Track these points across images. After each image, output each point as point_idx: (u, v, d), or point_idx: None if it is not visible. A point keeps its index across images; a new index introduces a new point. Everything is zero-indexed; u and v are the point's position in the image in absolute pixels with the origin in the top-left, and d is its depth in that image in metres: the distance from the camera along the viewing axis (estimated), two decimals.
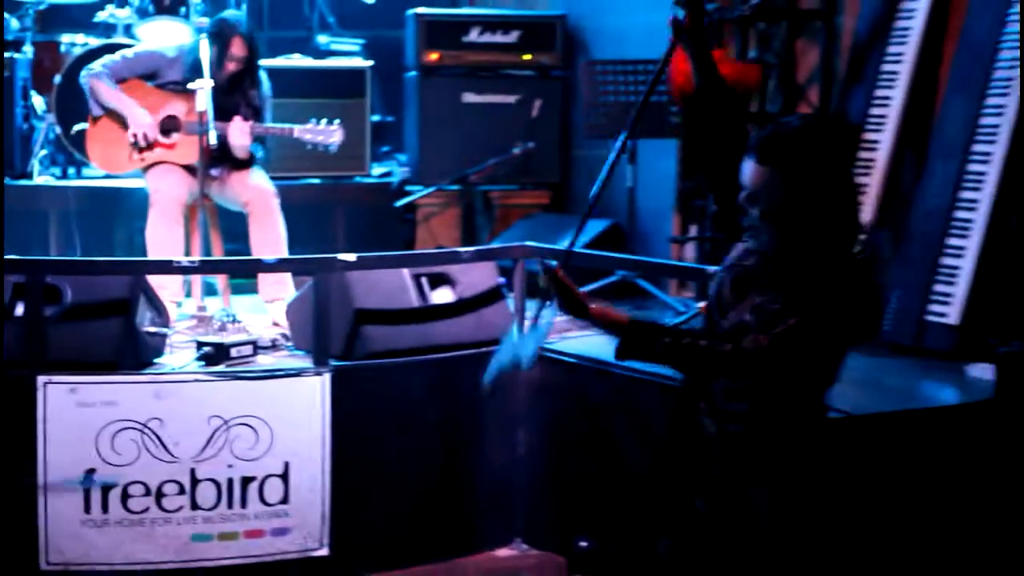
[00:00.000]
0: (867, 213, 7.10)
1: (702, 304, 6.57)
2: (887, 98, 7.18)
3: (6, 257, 6.94)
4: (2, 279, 5.74)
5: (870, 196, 7.10)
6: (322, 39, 9.44)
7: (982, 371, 5.86)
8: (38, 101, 8.88)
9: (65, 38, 9.00)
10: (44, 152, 8.86)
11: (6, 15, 9.11)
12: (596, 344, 6.58)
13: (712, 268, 6.59)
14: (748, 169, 3.57)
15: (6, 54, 8.75)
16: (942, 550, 5.39)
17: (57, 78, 8.81)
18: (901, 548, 5.37)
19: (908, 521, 5.38)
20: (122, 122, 7.50)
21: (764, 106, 7.87)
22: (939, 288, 6.61)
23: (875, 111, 7.20)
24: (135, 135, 7.44)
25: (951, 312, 6.53)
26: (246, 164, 7.51)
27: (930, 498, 5.43)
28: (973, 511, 5.40)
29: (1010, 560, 5.30)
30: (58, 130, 8.76)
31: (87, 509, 5.76)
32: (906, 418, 5.63)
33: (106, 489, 5.75)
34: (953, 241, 6.62)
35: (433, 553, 6.20)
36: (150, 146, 7.46)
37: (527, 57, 9.21)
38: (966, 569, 5.36)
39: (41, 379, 5.75)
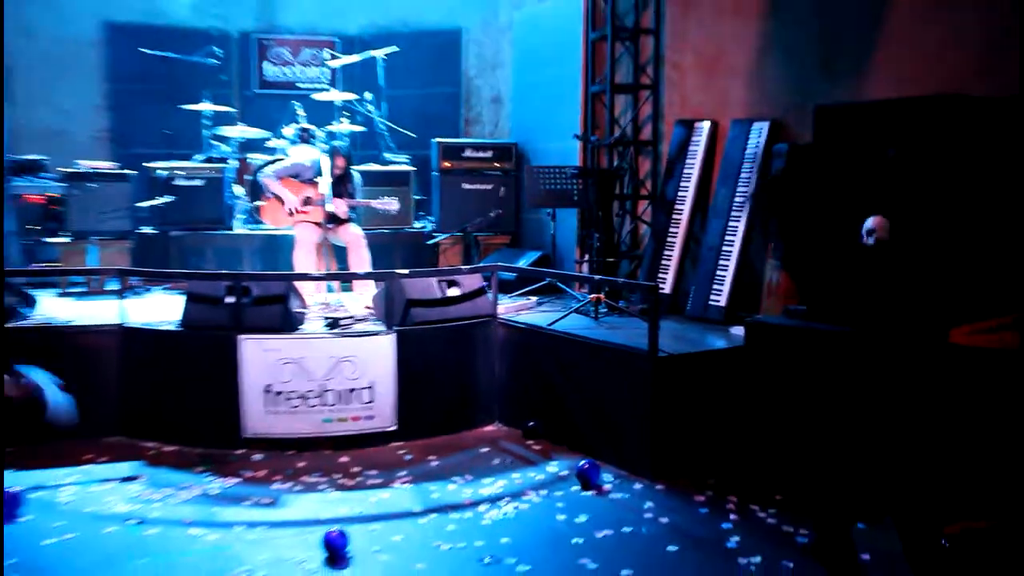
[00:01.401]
0: (676, 250, 7.18)
1: (592, 295, 6.58)
2: (686, 186, 7.22)
3: (220, 271, 6.91)
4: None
5: (678, 240, 7.16)
6: (387, 155, 9.41)
7: (738, 330, 5.91)
8: (239, 189, 8.85)
9: (251, 156, 8.96)
10: (241, 216, 8.82)
11: (222, 145, 9.08)
12: (536, 317, 6.63)
13: (597, 277, 6.66)
14: None
15: (222, 165, 8.78)
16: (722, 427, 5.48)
17: (248, 177, 8.78)
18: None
19: (703, 409, 5.47)
20: (281, 200, 7.50)
21: (624, 190, 7.89)
22: (715, 287, 6.66)
23: (680, 194, 7.24)
24: (288, 207, 7.47)
25: (722, 299, 6.60)
26: (347, 221, 7.49)
27: (709, 396, 5.52)
28: (738, 404, 5.48)
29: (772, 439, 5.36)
30: (248, 204, 8.73)
31: (267, 404, 5.77)
32: (699, 356, 5.70)
33: (278, 395, 5.78)
34: (722, 262, 6.68)
35: (451, 428, 6.17)
36: (296, 212, 7.47)
37: (497, 164, 9.18)
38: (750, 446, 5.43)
39: (240, 337, 5.77)
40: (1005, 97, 4.97)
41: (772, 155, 6.40)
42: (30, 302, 6.48)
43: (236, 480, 5.26)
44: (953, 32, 5.39)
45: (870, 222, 3.62)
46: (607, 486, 5.18)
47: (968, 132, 5.02)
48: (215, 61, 9.47)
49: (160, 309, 6.62)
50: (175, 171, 8.49)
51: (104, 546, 4.38)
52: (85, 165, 8.38)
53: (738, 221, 6.67)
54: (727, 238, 6.70)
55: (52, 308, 6.78)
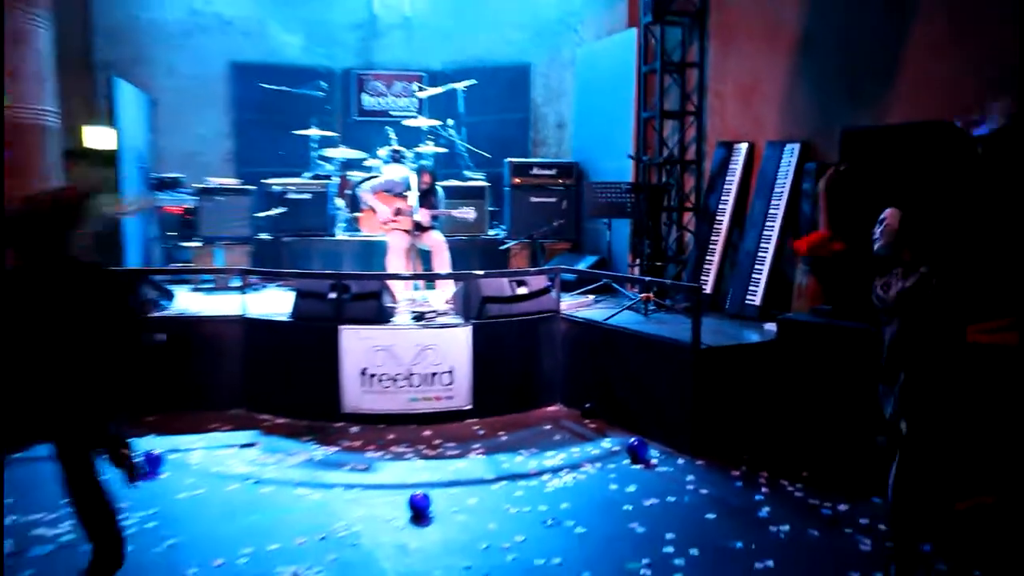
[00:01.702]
0: (716, 255, 7.07)
1: (643, 295, 6.54)
2: (726, 200, 7.11)
3: (324, 271, 6.98)
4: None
5: (718, 247, 7.06)
6: (466, 172, 9.43)
7: (771, 327, 5.80)
8: (340, 202, 8.95)
9: (351, 174, 9.07)
10: (342, 224, 8.92)
11: (326, 164, 9.19)
12: (594, 313, 6.59)
13: (647, 278, 6.61)
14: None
15: (326, 181, 8.84)
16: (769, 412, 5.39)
17: (348, 192, 8.87)
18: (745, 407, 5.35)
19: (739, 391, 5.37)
20: (377, 211, 7.55)
21: (671, 203, 7.79)
22: (751, 288, 6.55)
23: (720, 207, 7.13)
24: (383, 219, 7.50)
25: (757, 299, 6.49)
26: (431, 229, 7.48)
27: (745, 384, 5.42)
28: (770, 391, 5.38)
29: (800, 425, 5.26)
30: (348, 215, 8.83)
31: (363, 385, 5.84)
32: (736, 349, 5.61)
33: (372, 377, 5.83)
34: (757, 266, 6.57)
35: (518, 408, 6.16)
36: (388, 222, 7.51)
37: (560, 180, 9.07)
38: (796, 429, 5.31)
39: (341, 327, 5.85)
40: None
41: (803, 173, 6.29)
42: (169, 296, 6.66)
43: (336, 448, 5.35)
44: (962, 66, 5.26)
45: (884, 212, 3.48)
46: (654, 461, 5.14)
47: (973, 152, 4.89)
48: (321, 93, 9.62)
49: (275, 303, 6.75)
50: (287, 186, 8.64)
51: (226, 501, 4.50)
52: (214, 181, 8.59)
53: (772, 231, 6.55)
54: (762, 245, 6.58)
55: (186, 301, 6.96)
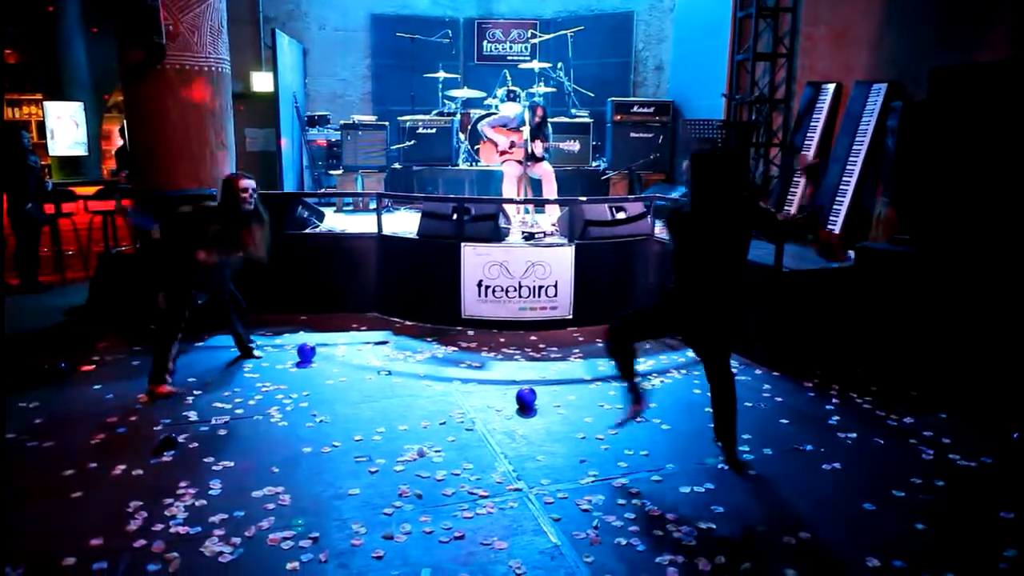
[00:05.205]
0: (800, 188, 6.69)
1: None
2: (812, 136, 6.67)
3: (448, 196, 6.96)
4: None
5: (802, 180, 6.64)
6: (572, 110, 9.21)
7: (849, 254, 5.49)
8: (462, 136, 8.88)
9: (471, 111, 8.97)
10: (463, 155, 8.87)
11: (451, 103, 9.11)
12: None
13: None
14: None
15: (451, 118, 8.75)
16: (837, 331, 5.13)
17: (468, 128, 8.81)
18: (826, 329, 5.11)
19: (827, 311, 5.12)
20: (494, 143, 7.48)
21: (759, 139, 7.39)
22: (832, 218, 6.16)
23: (806, 143, 6.69)
24: (499, 150, 7.42)
25: (836, 228, 6.11)
26: (541, 160, 7.36)
27: (821, 305, 5.15)
28: (845, 313, 5.11)
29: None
30: (468, 147, 8.78)
31: (479, 295, 5.85)
32: (814, 273, 5.32)
33: (487, 288, 5.85)
34: (838, 198, 6.17)
35: (605, 320, 6.06)
36: (504, 153, 7.42)
37: (657, 118, 8.78)
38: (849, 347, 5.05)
39: (463, 244, 5.83)
40: None
41: (888, 111, 5.80)
42: (319, 216, 6.82)
43: (455, 349, 5.41)
44: None
45: (684, 164, 3.58)
46: (734, 371, 4.94)
47: None
48: (447, 41, 9.49)
49: (405, 223, 6.79)
50: (417, 122, 8.63)
51: (365, 387, 4.64)
52: (355, 118, 8.66)
53: (855, 165, 6.11)
54: (844, 179, 6.17)
55: (332, 220, 7.12)
